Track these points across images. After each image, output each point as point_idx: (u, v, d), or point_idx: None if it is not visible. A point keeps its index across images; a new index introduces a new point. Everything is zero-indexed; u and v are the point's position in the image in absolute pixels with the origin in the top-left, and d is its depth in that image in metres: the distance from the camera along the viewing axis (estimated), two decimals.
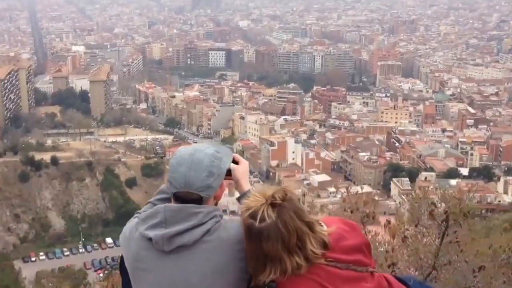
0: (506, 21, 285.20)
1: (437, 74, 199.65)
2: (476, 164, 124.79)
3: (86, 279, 76.83)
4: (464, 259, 7.28)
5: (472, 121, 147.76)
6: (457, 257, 7.27)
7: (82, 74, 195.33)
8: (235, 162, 3.49)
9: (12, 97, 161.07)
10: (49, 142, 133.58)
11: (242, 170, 3.48)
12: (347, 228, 2.98)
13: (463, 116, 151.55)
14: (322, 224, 2.91)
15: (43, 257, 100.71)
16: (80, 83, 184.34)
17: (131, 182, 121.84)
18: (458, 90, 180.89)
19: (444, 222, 7.08)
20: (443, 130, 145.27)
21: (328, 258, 2.82)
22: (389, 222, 7.85)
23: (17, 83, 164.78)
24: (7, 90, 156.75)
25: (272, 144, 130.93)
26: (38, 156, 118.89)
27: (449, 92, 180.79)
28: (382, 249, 7.68)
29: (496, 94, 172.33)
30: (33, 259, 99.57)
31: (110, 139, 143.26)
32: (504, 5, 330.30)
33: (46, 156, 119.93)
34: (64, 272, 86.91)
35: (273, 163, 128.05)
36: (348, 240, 2.91)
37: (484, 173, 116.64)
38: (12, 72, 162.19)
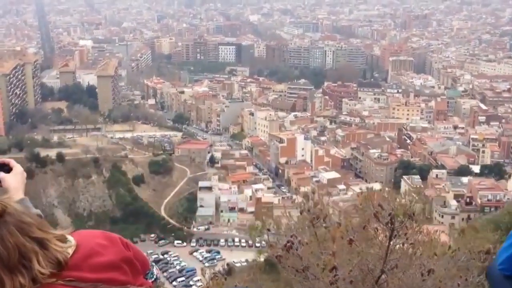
0: None
1: (449, 70, 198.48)
2: (488, 161, 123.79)
3: None
4: (419, 262, 7.25)
5: (484, 117, 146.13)
6: (410, 260, 7.29)
7: (90, 69, 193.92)
8: (10, 169, 3.18)
9: (18, 92, 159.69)
10: (55, 138, 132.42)
11: (13, 178, 3.16)
12: (106, 243, 2.71)
13: (475, 113, 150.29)
14: (69, 239, 2.62)
15: None
16: (87, 78, 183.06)
17: (139, 179, 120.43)
18: (470, 86, 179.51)
19: (390, 224, 6.98)
20: (455, 127, 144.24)
21: (69, 277, 2.53)
22: (339, 224, 7.59)
23: (23, 77, 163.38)
24: (12, 85, 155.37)
25: (281, 140, 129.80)
26: (43, 153, 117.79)
27: (461, 88, 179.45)
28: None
29: (509, 90, 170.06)
30: None
31: (118, 135, 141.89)
32: None
33: (52, 153, 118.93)
34: None
35: (282, 160, 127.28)
36: (103, 256, 2.63)
37: (496, 171, 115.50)
38: (18, 67, 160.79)
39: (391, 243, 6.97)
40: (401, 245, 7.08)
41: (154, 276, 3.08)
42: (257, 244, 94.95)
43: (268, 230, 8.08)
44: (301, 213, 7.46)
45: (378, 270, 7.03)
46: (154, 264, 3.06)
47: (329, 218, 7.67)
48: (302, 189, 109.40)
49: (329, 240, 7.22)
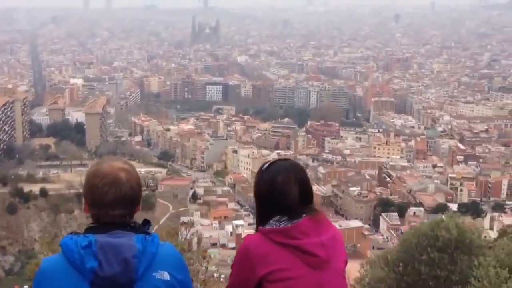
0: (497, 60, 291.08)
1: (429, 111, 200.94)
2: (465, 199, 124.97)
3: None
4: None
5: (462, 157, 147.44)
6: None
7: (79, 106, 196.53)
8: None
9: (6, 129, 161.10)
10: (40, 174, 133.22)
11: None
12: None
13: (453, 152, 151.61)
14: None
15: None
16: (76, 115, 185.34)
17: None
18: (449, 126, 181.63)
19: None
20: (434, 166, 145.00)
21: None
22: None
23: (12, 114, 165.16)
24: (1, 122, 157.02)
25: None
26: (27, 188, 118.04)
27: (440, 129, 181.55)
28: None
29: (486, 131, 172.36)
30: None
31: None
32: (495, 45, 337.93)
33: (36, 188, 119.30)
34: None
35: None
36: None
37: (472, 209, 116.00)
38: (8, 104, 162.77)
39: None
40: None
41: None
42: None
43: None
44: None
45: None
46: None
47: None
48: None
49: None
